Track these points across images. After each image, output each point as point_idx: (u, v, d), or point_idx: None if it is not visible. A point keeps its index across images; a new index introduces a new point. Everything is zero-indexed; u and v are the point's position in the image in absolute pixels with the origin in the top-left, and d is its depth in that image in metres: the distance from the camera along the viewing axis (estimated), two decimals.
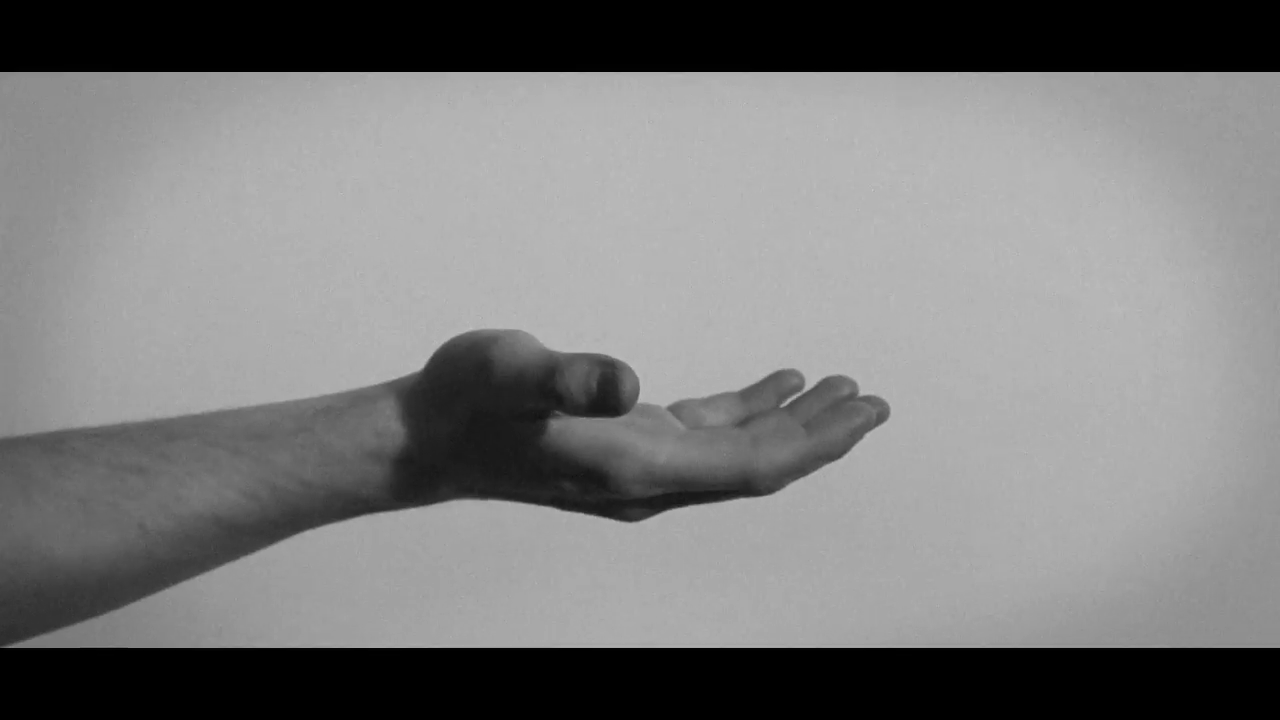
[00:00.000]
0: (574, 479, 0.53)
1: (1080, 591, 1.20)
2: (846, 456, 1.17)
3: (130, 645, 1.11)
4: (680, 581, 1.18)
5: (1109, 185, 1.18)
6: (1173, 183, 1.18)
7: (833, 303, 1.16)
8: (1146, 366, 1.19)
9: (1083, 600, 1.20)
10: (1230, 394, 1.19)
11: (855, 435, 0.56)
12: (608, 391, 0.49)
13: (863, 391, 1.16)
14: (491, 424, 0.53)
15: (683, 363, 1.15)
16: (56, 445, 0.52)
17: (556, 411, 0.53)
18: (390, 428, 0.54)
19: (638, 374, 0.54)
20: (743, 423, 0.59)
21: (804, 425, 0.57)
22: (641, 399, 1.11)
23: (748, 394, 0.62)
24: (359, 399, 0.55)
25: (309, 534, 1.14)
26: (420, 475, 0.55)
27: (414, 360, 1.12)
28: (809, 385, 1.19)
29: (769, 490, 0.55)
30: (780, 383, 0.62)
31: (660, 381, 1.14)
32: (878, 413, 0.57)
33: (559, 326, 1.14)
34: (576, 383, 0.50)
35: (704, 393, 1.14)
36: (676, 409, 0.61)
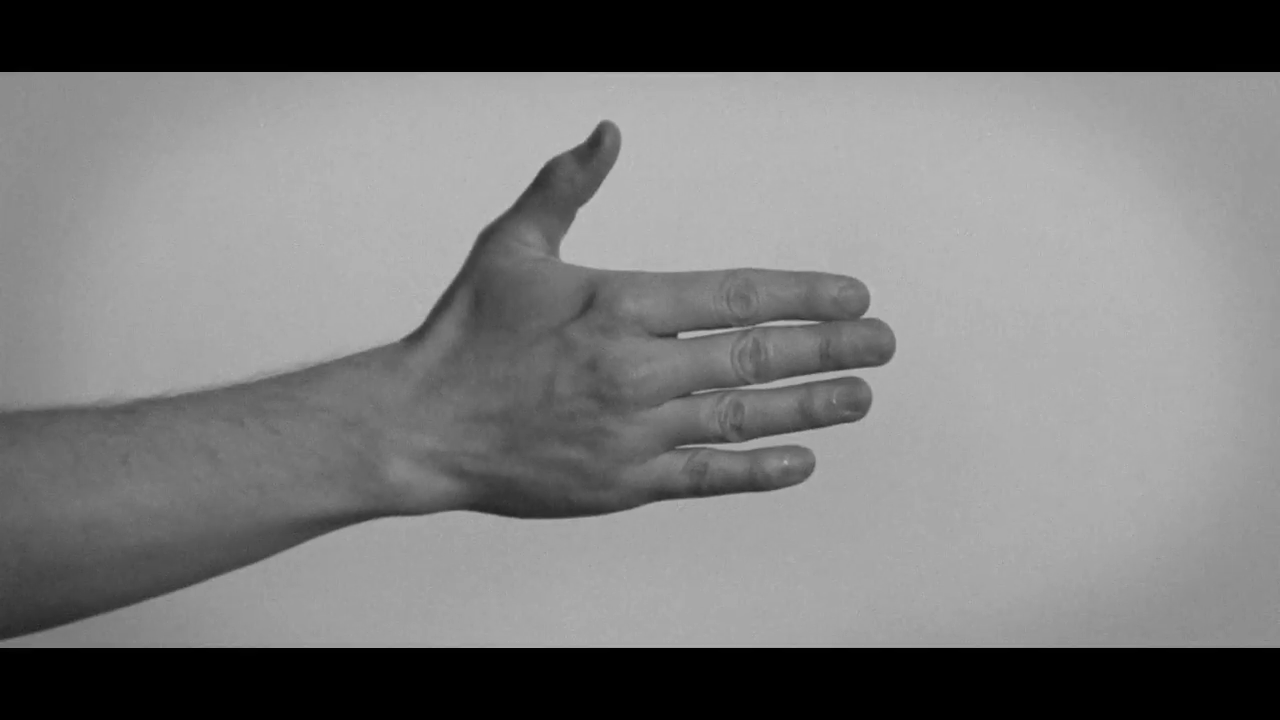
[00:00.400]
0: (566, 304, 0.55)
1: (1081, 591, 1.20)
2: (846, 456, 1.17)
3: (130, 645, 1.11)
4: (680, 582, 1.18)
5: (1113, 184, 1.18)
6: (1190, 179, 1.18)
7: None
8: (1146, 367, 1.19)
9: (1083, 600, 1.20)
10: (1230, 394, 1.19)
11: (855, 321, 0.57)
12: (593, 138, 0.57)
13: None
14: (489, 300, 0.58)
15: None
16: (52, 408, 0.54)
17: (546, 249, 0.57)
18: (385, 355, 0.58)
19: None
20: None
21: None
22: None
23: None
24: (345, 362, 0.58)
25: None
26: (420, 388, 0.56)
27: None
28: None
29: (768, 304, 0.56)
30: None
31: None
32: (879, 353, 0.58)
33: None
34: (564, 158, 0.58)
35: None
36: None
